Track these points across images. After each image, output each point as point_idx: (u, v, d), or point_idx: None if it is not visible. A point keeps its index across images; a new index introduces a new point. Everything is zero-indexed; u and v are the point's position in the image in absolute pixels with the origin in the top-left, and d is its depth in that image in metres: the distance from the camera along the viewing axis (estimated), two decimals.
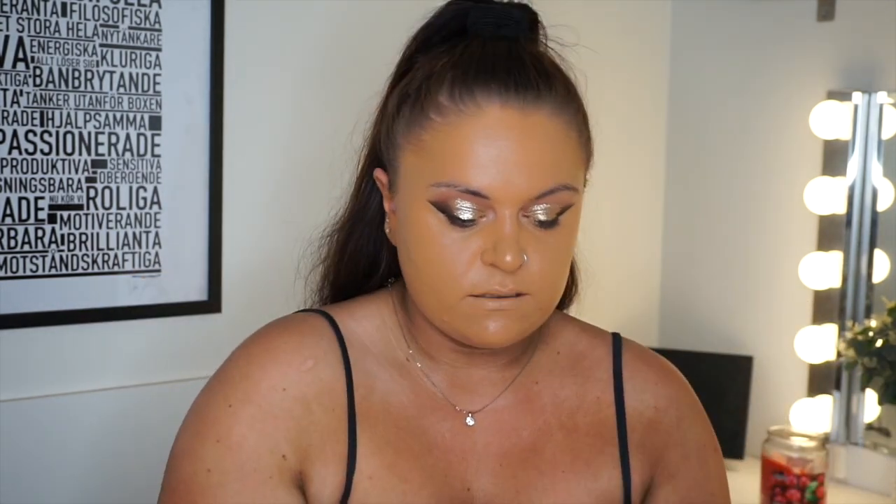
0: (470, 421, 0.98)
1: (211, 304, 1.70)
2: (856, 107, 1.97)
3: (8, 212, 1.50)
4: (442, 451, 0.96)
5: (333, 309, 1.00)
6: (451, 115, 0.88)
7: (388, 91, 0.98)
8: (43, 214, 1.53)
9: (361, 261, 1.03)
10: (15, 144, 1.50)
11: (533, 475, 0.97)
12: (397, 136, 0.92)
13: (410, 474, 0.94)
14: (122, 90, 1.58)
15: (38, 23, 1.51)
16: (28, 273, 1.53)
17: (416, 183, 0.90)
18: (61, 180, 1.54)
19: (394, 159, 0.93)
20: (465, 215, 0.88)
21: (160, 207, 1.64)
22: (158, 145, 1.62)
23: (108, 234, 1.59)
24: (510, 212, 0.87)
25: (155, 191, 1.63)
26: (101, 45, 1.56)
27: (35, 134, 1.52)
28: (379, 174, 0.96)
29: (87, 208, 1.57)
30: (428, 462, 0.95)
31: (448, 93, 0.89)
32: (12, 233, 1.51)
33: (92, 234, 1.58)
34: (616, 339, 1.06)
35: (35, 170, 1.52)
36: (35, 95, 1.51)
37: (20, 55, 1.50)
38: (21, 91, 1.50)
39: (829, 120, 1.98)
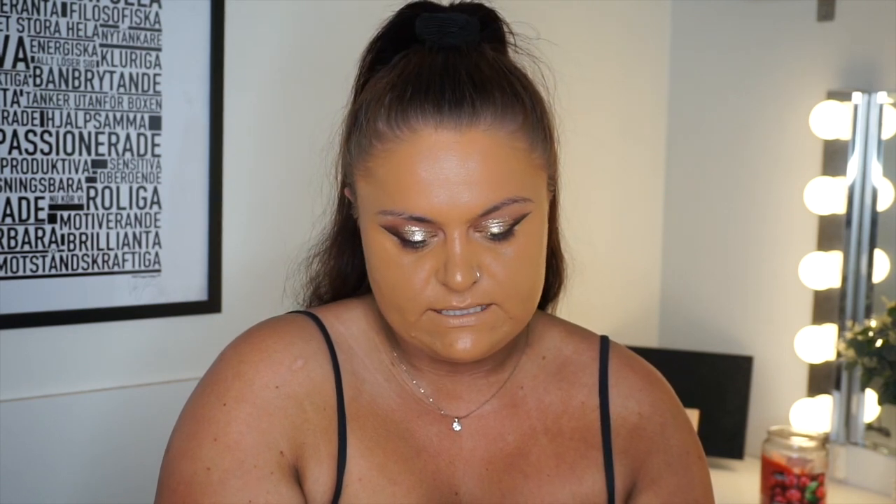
0: (456, 426, 0.98)
1: (211, 304, 1.70)
2: (856, 107, 1.97)
3: (8, 212, 1.50)
4: (430, 455, 0.96)
5: (321, 311, 1.01)
6: (390, 141, 0.88)
7: (350, 107, 0.97)
8: (43, 214, 1.53)
9: (351, 275, 1.04)
10: (15, 144, 1.50)
11: (518, 479, 0.97)
12: (351, 161, 0.93)
13: (400, 477, 0.94)
14: (122, 90, 1.58)
15: (38, 23, 1.51)
16: (28, 273, 1.53)
17: (368, 208, 0.91)
18: (61, 180, 1.54)
19: (352, 182, 0.94)
20: (416, 237, 0.88)
21: (160, 207, 1.64)
22: (158, 145, 1.62)
23: (108, 234, 1.59)
24: (459, 231, 0.87)
25: (155, 191, 1.63)
26: (101, 45, 1.56)
27: (35, 134, 1.52)
28: (348, 192, 0.97)
29: (87, 208, 1.57)
30: (417, 466, 0.95)
31: (385, 118, 0.88)
32: (12, 233, 1.51)
33: (92, 234, 1.58)
34: (604, 342, 1.06)
35: (35, 170, 1.52)
36: (35, 95, 1.51)
37: (20, 55, 1.50)
38: (21, 91, 1.50)
39: (829, 120, 1.98)
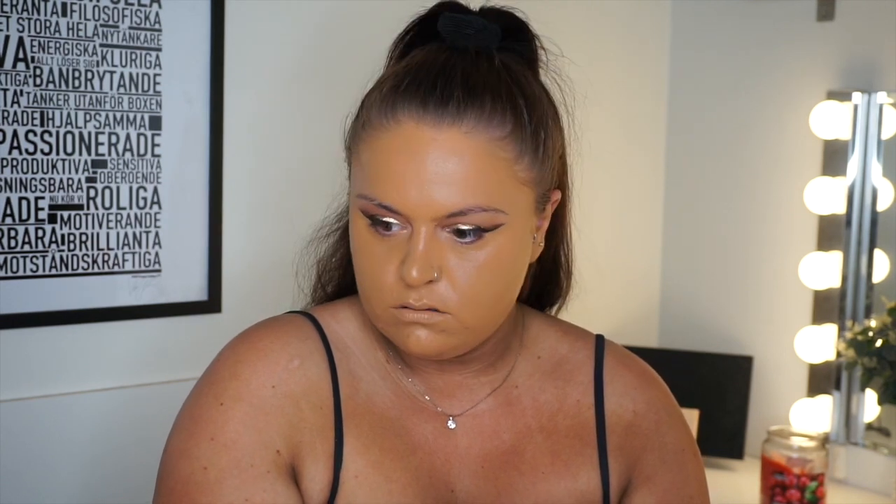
0: (451, 424, 0.99)
1: (211, 304, 1.70)
2: (856, 107, 1.97)
3: (8, 212, 1.50)
4: (426, 453, 0.97)
5: (317, 310, 1.02)
6: (376, 129, 0.89)
7: None
8: (43, 214, 1.53)
9: (350, 265, 1.04)
10: (15, 144, 1.50)
11: (514, 476, 0.98)
12: (349, 145, 0.95)
13: (396, 474, 0.95)
14: (122, 90, 1.58)
15: (38, 23, 1.51)
16: (28, 273, 1.53)
17: (353, 191, 0.93)
18: (61, 180, 1.55)
19: (350, 167, 0.96)
20: (386, 219, 0.89)
21: (160, 207, 1.64)
22: (158, 145, 1.63)
23: (108, 234, 1.59)
24: (426, 227, 0.87)
25: (155, 191, 1.63)
26: (101, 45, 1.56)
27: (35, 134, 1.52)
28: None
29: (87, 208, 1.57)
30: (412, 463, 0.96)
31: (377, 107, 0.90)
32: (12, 233, 1.51)
33: (92, 234, 1.58)
34: (599, 341, 1.06)
35: (35, 170, 1.52)
36: (35, 95, 1.51)
37: (20, 55, 1.50)
38: (21, 91, 1.50)
39: (829, 120, 1.98)
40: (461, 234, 0.88)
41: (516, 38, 0.97)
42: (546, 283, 1.07)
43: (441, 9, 0.96)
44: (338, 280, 1.06)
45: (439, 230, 0.88)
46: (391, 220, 0.88)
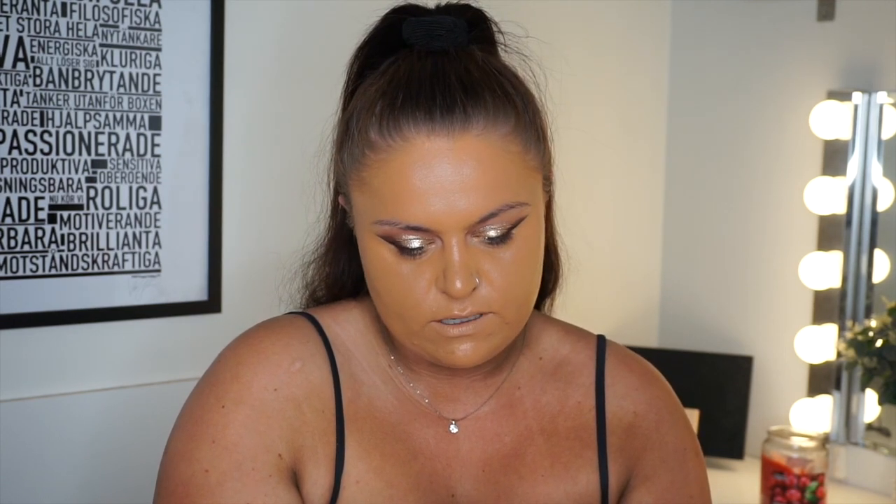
0: (454, 429, 0.98)
1: (211, 304, 1.70)
2: (856, 107, 1.97)
3: (8, 212, 1.50)
4: (427, 458, 0.96)
5: (318, 312, 1.01)
6: (382, 151, 0.87)
7: (340, 114, 0.96)
8: (43, 214, 1.53)
9: (348, 281, 1.03)
10: (15, 144, 1.50)
11: (514, 480, 0.98)
12: (344, 171, 0.92)
13: (396, 479, 0.94)
14: (122, 90, 1.58)
15: (38, 23, 1.51)
16: (28, 273, 1.53)
17: (364, 218, 0.90)
18: (61, 180, 1.54)
19: (347, 192, 0.93)
20: (413, 244, 0.87)
21: (160, 207, 1.64)
22: (158, 145, 1.63)
23: (108, 234, 1.59)
24: (456, 238, 0.86)
25: (155, 191, 1.63)
26: (101, 45, 1.56)
27: (35, 134, 1.52)
28: (342, 200, 0.96)
29: (87, 208, 1.57)
30: (413, 468, 0.95)
31: (377, 128, 0.87)
32: (12, 233, 1.51)
33: (92, 234, 1.58)
34: (601, 342, 1.06)
35: (35, 170, 1.52)
36: (35, 95, 1.51)
37: (20, 55, 1.50)
38: (21, 91, 1.50)
39: (829, 120, 1.98)
40: (489, 236, 0.87)
41: (479, 27, 0.95)
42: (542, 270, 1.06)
43: (397, 14, 0.94)
44: (330, 299, 1.05)
45: (468, 237, 0.87)
46: (417, 240, 0.87)
